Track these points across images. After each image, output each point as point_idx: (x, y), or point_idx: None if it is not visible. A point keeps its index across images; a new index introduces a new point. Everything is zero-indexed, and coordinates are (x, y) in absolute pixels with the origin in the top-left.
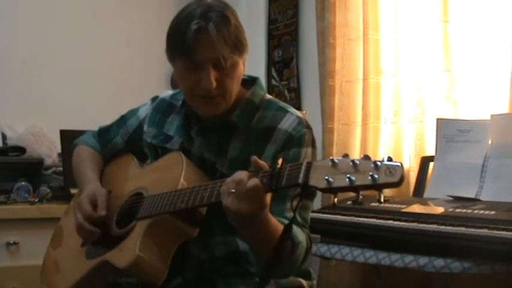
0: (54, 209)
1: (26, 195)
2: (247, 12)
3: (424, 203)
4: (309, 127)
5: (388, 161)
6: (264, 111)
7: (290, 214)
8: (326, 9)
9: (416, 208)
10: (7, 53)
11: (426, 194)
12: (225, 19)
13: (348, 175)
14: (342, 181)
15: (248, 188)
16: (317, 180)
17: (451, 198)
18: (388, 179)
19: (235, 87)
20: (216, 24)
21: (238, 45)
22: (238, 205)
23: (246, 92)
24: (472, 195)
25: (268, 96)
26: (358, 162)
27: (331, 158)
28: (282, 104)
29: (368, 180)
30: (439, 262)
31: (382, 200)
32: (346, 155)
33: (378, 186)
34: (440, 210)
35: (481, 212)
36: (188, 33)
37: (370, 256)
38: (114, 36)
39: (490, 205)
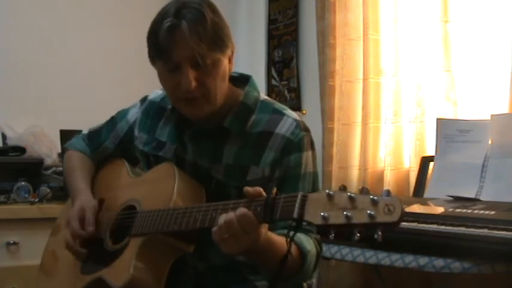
0: (54, 209)
1: (26, 195)
2: (247, 12)
3: (424, 203)
4: (306, 129)
5: (386, 195)
6: (258, 115)
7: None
8: (326, 9)
9: (416, 208)
10: (7, 53)
11: (426, 194)
12: (200, 15)
13: (345, 212)
14: (338, 218)
15: (239, 220)
16: (312, 215)
17: (451, 198)
18: (386, 218)
19: (219, 87)
20: (190, 22)
21: (218, 42)
22: (236, 245)
23: (239, 93)
24: (472, 195)
25: (263, 97)
26: (355, 197)
27: (327, 191)
28: (277, 105)
29: (365, 218)
30: (439, 262)
31: (380, 239)
32: (343, 187)
33: (376, 226)
34: (440, 210)
35: (481, 212)
36: (161, 33)
37: (370, 256)
38: (113, 36)
39: (490, 205)
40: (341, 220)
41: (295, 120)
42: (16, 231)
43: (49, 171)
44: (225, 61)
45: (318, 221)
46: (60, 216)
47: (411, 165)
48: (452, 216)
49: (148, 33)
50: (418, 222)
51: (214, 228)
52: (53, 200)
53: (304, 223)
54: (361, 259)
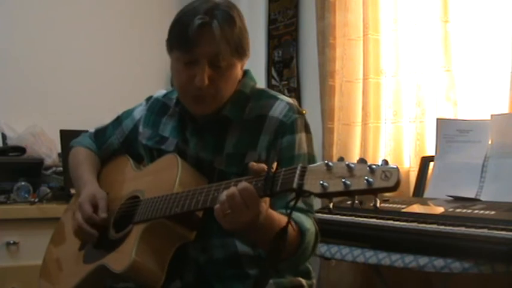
0: (54, 209)
1: (26, 195)
2: (247, 12)
3: (424, 203)
4: (300, 113)
5: (384, 164)
6: (255, 101)
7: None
8: (326, 9)
9: (416, 208)
10: (7, 53)
11: (426, 194)
12: (231, 19)
13: (343, 179)
14: (337, 186)
15: (241, 194)
16: (312, 184)
17: (451, 198)
18: (383, 184)
19: (228, 89)
20: (221, 22)
21: (239, 49)
22: (238, 220)
23: (237, 84)
24: (472, 195)
25: (259, 86)
26: (353, 166)
27: (325, 161)
28: (273, 92)
29: (363, 184)
30: (439, 262)
31: (378, 205)
32: (341, 159)
33: (373, 191)
34: (440, 210)
35: (481, 212)
36: (191, 27)
37: (370, 256)
38: (114, 36)
39: (490, 205)
40: (340, 188)
41: (288, 103)
42: (16, 231)
43: (49, 171)
44: (239, 67)
45: (317, 189)
46: (62, 220)
47: (411, 165)
48: (452, 216)
49: (175, 23)
50: (418, 222)
51: (217, 205)
52: (53, 200)
53: (305, 194)
54: (361, 259)
